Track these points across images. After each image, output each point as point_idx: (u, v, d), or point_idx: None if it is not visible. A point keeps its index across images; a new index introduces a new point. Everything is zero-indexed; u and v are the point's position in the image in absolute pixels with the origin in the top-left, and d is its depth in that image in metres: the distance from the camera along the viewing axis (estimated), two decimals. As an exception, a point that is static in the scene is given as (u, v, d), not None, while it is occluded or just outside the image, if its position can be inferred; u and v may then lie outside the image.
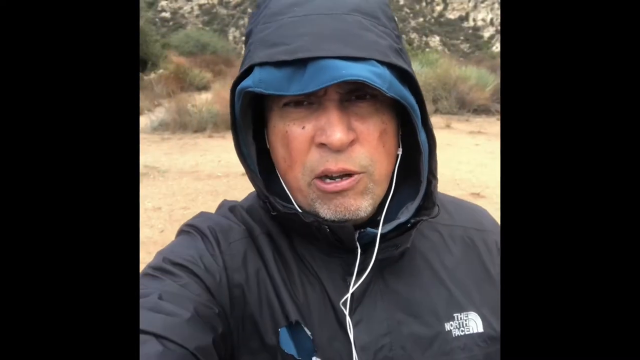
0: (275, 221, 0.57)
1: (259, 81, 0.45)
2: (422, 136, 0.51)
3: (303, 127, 0.48)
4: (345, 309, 0.51)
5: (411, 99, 0.48)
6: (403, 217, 0.53)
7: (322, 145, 0.47)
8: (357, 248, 0.52)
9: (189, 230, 0.58)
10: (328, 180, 0.49)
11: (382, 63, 0.44)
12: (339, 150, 0.46)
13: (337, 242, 0.52)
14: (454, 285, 0.57)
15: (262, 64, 0.45)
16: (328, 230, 0.50)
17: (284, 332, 0.51)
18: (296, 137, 0.48)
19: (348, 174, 0.48)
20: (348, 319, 0.51)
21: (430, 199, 0.53)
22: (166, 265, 0.51)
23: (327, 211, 0.50)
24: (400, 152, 0.54)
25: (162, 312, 0.44)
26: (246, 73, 0.48)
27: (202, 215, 0.62)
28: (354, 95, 0.48)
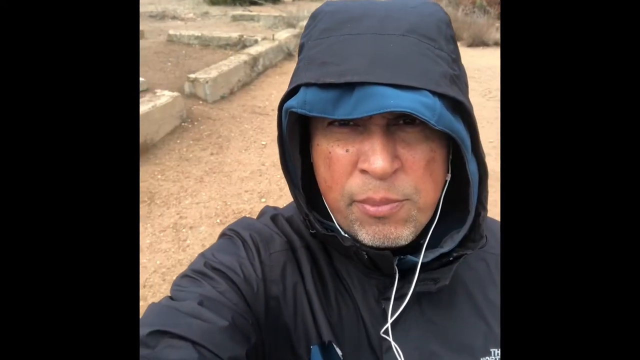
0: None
1: (304, 102, 0.44)
2: (472, 166, 0.48)
3: (347, 150, 0.46)
4: (388, 335, 0.51)
5: (461, 131, 0.45)
6: (446, 246, 0.50)
7: (364, 171, 0.45)
8: (395, 274, 0.51)
9: (232, 235, 0.58)
10: (370, 204, 0.47)
11: (434, 93, 0.42)
12: (382, 178, 0.45)
13: (374, 267, 0.51)
14: (494, 319, 0.55)
15: (308, 84, 0.44)
16: (366, 256, 0.49)
17: (315, 350, 0.51)
18: (339, 159, 0.47)
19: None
20: (385, 344, 0.51)
21: (477, 231, 0.51)
22: (207, 269, 0.51)
23: (365, 235, 0.48)
24: (448, 178, 0.52)
25: (200, 318, 0.45)
26: (294, 90, 0.46)
27: (245, 221, 0.61)
28: (402, 119, 0.46)
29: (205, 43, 6.54)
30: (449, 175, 0.51)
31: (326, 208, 0.53)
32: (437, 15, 0.47)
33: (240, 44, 6.35)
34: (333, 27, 0.46)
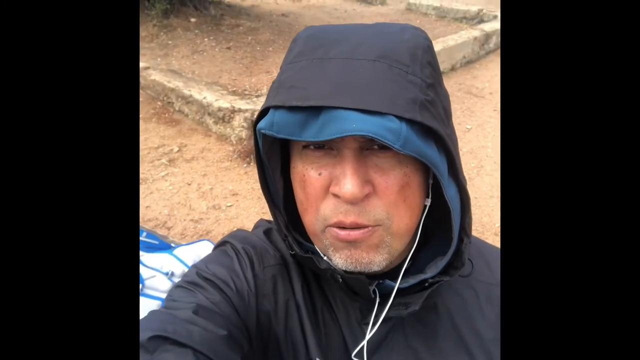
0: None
1: (272, 124, 0.45)
2: (451, 191, 0.47)
3: (320, 174, 0.47)
4: (361, 358, 0.50)
5: (433, 156, 0.43)
6: (430, 272, 0.50)
7: (336, 195, 0.45)
8: (374, 298, 0.51)
9: (225, 247, 0.60)
10: (341, 229, 0.47)
11: (400, 118, 0.41)
12: (351, 202, 0.44)
13: (351, 292, 0.51)
14: (479, 351, 0.54)
15: (277, 107, 0.44)
16: (341, 280, 0.49)
17: None
18: (312, 182, 0.47)
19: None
20: None
21: (459, 258, 0.50)
22: (199, 280, 0.54)
23: (339, 260, 0.48)
24: (428, 203, 0.50)
25: (198, 326, 0.47)
26: (266, 112, 0.47)
27: (240, 233, 0.62)
28: (376, 144, 0.45)
29: (442, 14, 6.38)
30: (429, 200, 0.50)
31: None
32: (414, 41, 0.46)
33: (477, 18, 6.00)
34: (306, 51, 0.46)
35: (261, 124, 0.46)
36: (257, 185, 2.87)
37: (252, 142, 3.11)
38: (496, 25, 5.48)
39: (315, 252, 0.52)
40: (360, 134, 0.40)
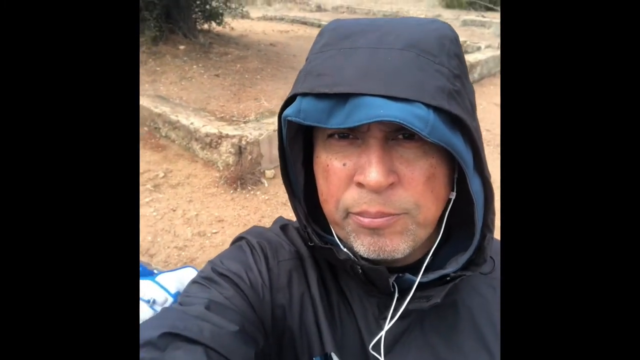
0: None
1: (299, 111, 0.44)
2: (475, 185, 0.46)
3: (344, 164, 0.46)
4: (379, 354, 0.50)
5: (459, 146, 0.43)
6: (450, 268, 0.49)
7: (360, 184, 0.45)
8: (393, 292, 0.50)
9: (241, 243, 0.60)
10: (364, 216, 0.46)
11: (428, 106, 0.40)
12: (376, 191, 0.44)
13: (371, 283, 0.51)
14: (498, 349, 0.52)
15: (304, 94, 0.44)
16: (361, 271, 0.49)
17: None
18: (336, 172, 0.47)
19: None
20: None
21: (481, 254, 0.49)
22: (214, 275, 0.53)
23: (360, 247, 0.47)
24: (453, 197, 0.50)
25: (209, 321, 0.46)
26: (292, 100, 0.47)
27: (255, 229, 0.63)
28: (401, 134, 0.45)
29: (427, 45, 6.53)
30: (454, 193, 0.50)
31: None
32: (442, 32, 0.46)
33: (461, 50, 6.15)
34: (333, 42, 0.46)
35: (288, 111, 0.46)
36: (244, 212, 2.82)
37: (239, 167, 3.09)
38: (479, 56, 5.62)
39: (334, 244, 0.52)
40: (388, 119, 0.39)
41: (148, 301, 1.25)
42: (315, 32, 8.08)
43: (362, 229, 0.47)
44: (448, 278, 0.49)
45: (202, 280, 0.53)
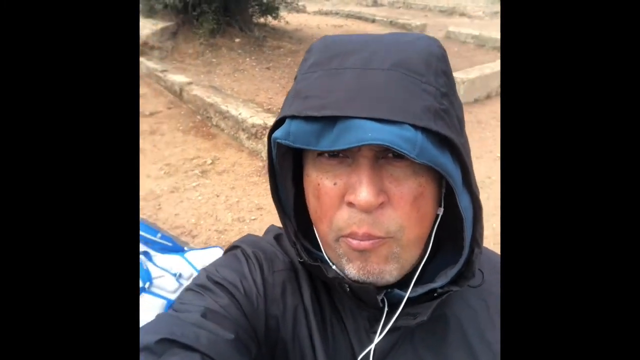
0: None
1: (288, 134, 0.45)
2: (464, 201, 0.46)
3: (335, 183, 0.46)
4: None
5: (448, 165, 0.43)
6: (439, 281, 0.49)
7: (351, 204, 0.45)
8: (382, 307, 0.51)
9: (236, 251, 0.59)
10: (352, 238, 0.47)
11: (415, 127, 0.41)
12: (367, 211, 0.44)
13: (359, 300, 0.51)
14: None
15: (292, 117, 0.45)
16: (348, 289, 0.49)
17: None
18: (327, 192, 0.47)
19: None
20: None
21: (470, 268, 0.49)
22: (209, 283, 0.53)
23: (351, 270, 0.48)
24: (440, 213, 0.50)
25: (206, 329, 0.47)
26: (282, 122, 0.47)
27: (250, 238, 0.63)
28: (391, 153, 0.45)
29: (481, 43, 6.37)
30: (441, 209, 0.50)
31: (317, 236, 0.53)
32: (429, 50, 0.46)
33: (518, 48, 5.95)
34: (321, 62, 0.47)
35: (277, 134, 0.47)
36: (282, 201, 2.94)
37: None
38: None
39: (323, 261, 0.52)
40: (376, 142, 0.40)
41: (175, 274, 1.39)
42: (369, 27, 8.06)
43: (353, 252, 0.47)
44: (435, 294, 0.49)
45: (197, 288, 0.53)
